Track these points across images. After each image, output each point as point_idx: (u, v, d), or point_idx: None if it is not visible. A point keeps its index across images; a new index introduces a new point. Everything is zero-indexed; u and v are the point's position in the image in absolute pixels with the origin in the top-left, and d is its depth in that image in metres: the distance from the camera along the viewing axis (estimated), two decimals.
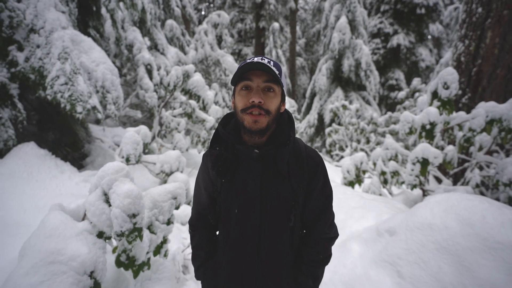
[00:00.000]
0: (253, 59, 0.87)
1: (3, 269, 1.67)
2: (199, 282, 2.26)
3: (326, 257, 1.01)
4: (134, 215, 1.32)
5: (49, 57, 3.08)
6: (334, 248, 2.33)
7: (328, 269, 2.14)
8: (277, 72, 0.84)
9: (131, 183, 1.34)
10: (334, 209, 2.64)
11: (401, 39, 18.19)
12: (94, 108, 3.10)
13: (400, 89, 16.40)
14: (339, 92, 9.87)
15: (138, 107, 7.29)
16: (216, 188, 0.97)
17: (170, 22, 8.94)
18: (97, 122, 6.44)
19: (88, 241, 1.25)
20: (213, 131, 5.65)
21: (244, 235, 0.93)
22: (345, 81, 10.07)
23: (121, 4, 4.95)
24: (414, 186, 3.14)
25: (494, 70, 4.96)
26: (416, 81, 8.58)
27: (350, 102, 9.68)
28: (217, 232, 1.07)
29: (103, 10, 4.78)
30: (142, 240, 1.37)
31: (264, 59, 0.86)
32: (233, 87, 0.94)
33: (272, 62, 0.87)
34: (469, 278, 1.49)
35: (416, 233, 1.81)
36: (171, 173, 2.91)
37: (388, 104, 17.46)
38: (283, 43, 23.35)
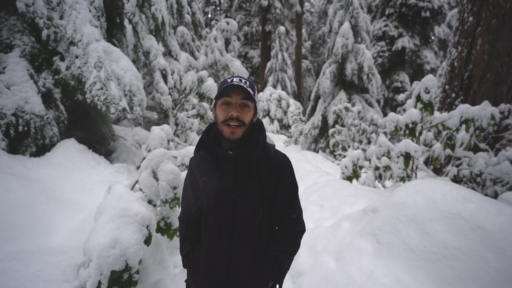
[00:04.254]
0: (233, 79, 1.03)
1: (70, 233, 2.18)
2: None
3: (294, 248, 1.14)
4: (175, 187, 1.81)
5: (86, 66, 3.62)
6: (329, 227, 2.77)
7: (323, 241, 2.59)
8: (251, 92, 1.02)
9: (173, 164, 1.83)
10: (331, 197, 3.15)
11: (406, 42, 18.39)
12: (124, 109, 3.62)
13: (405, 91, 16.64)
14: (342, 94, 10.29)
15: (152, 109, 7.84)
16: (199, 186, 1.12)
17: (181, 28, 9.51)
18: (116, 122, 7.01)
19: (143, 204, 1.74)
20: None
21: (219, 225, 1.07)
22: (348, 84, 10.48)
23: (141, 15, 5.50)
24: (402, 179, 3.57)
25: (484, 74, 5.33)
26: (416, 84, 8.92)
27: (353, 105, 10.08)
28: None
29: (126, 22, 5.33)
30: (179, 207, 1.85)
31: (242, 80, 1.03)
32: (214, 101, 1.10)
33: (248, 83, 1.04)
34: (428, 240, 1.92)
35: (393, 210, 2.25)
36: None
37: (393, 106, 17.70)
38: (289, 46, 23.79)
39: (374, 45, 18.86)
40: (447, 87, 5.98)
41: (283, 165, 1.11)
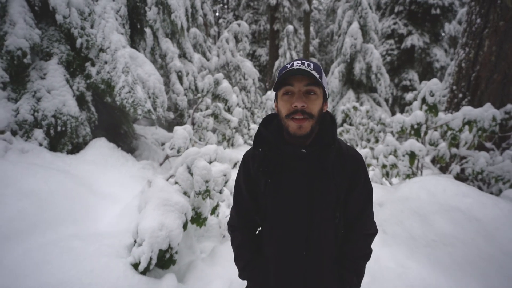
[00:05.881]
0: (293, 64, 0.89)
1: (112, 221, 2.50)
2: None
3: (367, 253, 1.04)
4: (207, 181, 2.10)
5: (115, 71, 3.94)
6: None
7: None
8: (317, 75, 0.86)
9: (205, 161, 2.12)
10: None
11: (415, 39, 18.31)
12: (149, 111, 3.93)
13: (414, 89, 16.60)
14: (350, 94, 10.45)
15: (168, 108, 8.19)
16: (259, 188, 0.99)
17: (193, 30, 9.83)
18: (133, 121, 7.38)
19: (181, 195, 2.04)
20: (236, 131, 6.42)
21: (293, 231, 0.96)
22: (357, 83, 10.64)
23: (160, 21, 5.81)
24: (407, 176, 3.79)
25: (491, 75, 5.45)
26: (423, 84, 9.02)
27: (361, 104, 10.23)
28: (257, 231, 1.11)
29: (146, 27, 5.66)
30: (210, 197, 2.14)
31: (304, 63, 0.88)
32: (274, 93, 0.96)
33: (312, 65, 0.89)
34: (429, 230, 2.16)
35: (398, 204, 2.49)
36: (210, 162, 3.69)
37: (401, 104, 17.69)
38: (297, 44, 23.87)
39: (383, 43, 18.84)
40: (454, 87, 6.12)
41: (358, 163, 0.99)
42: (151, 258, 1.73)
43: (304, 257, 0.96)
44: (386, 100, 11.91)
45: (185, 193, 2.15)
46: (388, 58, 18.39)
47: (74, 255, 1.73)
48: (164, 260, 1.89)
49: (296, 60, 0.90)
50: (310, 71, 0.85)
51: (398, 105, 18.19)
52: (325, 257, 0.99)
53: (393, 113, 15.15)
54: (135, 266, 1.74)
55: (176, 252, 1.94)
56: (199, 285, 2.02)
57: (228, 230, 1.13)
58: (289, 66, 0.89)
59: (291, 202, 0.95)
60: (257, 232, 1.10)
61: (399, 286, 1.89)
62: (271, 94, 9.56)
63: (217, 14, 29.29)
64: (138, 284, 1.63)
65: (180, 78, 7.04)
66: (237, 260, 1.08)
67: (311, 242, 0.95)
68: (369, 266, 2.22)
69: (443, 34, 19.13)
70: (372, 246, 2.33)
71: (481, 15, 5.56)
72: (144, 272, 1.74)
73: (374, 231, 1.05)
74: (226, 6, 30.01)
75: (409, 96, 8.78)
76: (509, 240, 1.84)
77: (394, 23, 18.68)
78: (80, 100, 3.92)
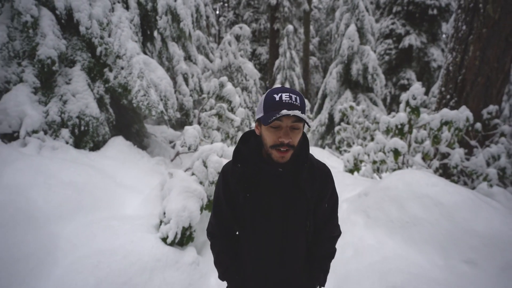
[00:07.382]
0: (282, 96, 0.92)
1: (136, 207, 2.93)
2: None
3: (332, 252, 1.18)
4: (218, 173, 2.53)
5: (131, 76, 4.36)
6: None
7: None
8: (303, 113, 0.93)
9: (217, 156, 2.55)
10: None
11: (413, 39, 18.64)
12: (162, 112, 4.36)
13: None
14: (348, 93, 10.86)
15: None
16: (238, 201, 1.07)
17: (197, 32, 10.23)
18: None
19: (198, 184, 2.47)
20: (239, 130, 6.85)
21: (269, 240, 1.07)
22: (354, 83, 11.04)
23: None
24: (394, 170, 4.22)
25: (476, 78, 5.88)
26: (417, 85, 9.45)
27: (358, 103, 10.64)
28: (235, 238, 1.19)
29: (155, 33, 6.06)
30: None
31: (292, 96, 0.92)
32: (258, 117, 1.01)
33: (298, 99, 0.93)
34: (404, 214, 2.59)
35: (380, 193, 2.92)
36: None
37: (399, 103, 18.04)
38: (297, 43, 24.22)
39: (381, 43, 19.19)
40: (443, 89, 6.55)
41: (326, 176, 1.11)
42: (176, 233, 2.17)
43: (279, 261, 1.08)
44: (384, 99, 12.31)
45: (200, 183, 2.58)
46: (386, 58, 18.77)
47: (114, 231, 2.17)
48: (185, 237, 2.32)
49: (284, 92, 0.93)
50: (298, 104, 0.92)
51: (396, 104, 18.59)
52: (298, 260, 1.11)
53: (391, 111, 15.55)
54: (163, 240, 2.18)
55: (195, 231, 2.38)
56: None
57: (207, 236, 1.23)
58: (277, 97, 0.92)
59: (268, 216, 1.05)
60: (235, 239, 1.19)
61: (376, 257, 2.33)
62: None
63: (217, 12, 29.50)
64: (168, 252, 2.07)
65: (186, 79, 7.46)
66: (217, 264, 1.18)
67: (285, 248, 1.08)
68: (354, 243, 2.66)
69: (442, 34, 19.49)
70: (358, 228, 2.78)
71: (466, 22, 5.98)
72: (171, 245, 2.18)
73: (338, 234, 1.20)
74: (226, 5, 30.24)
75: (403, 96, 9.24)
76: (465, 220, 2.27)
77: (392, 23, 19.03)
78: (100, 102, 4.34)
